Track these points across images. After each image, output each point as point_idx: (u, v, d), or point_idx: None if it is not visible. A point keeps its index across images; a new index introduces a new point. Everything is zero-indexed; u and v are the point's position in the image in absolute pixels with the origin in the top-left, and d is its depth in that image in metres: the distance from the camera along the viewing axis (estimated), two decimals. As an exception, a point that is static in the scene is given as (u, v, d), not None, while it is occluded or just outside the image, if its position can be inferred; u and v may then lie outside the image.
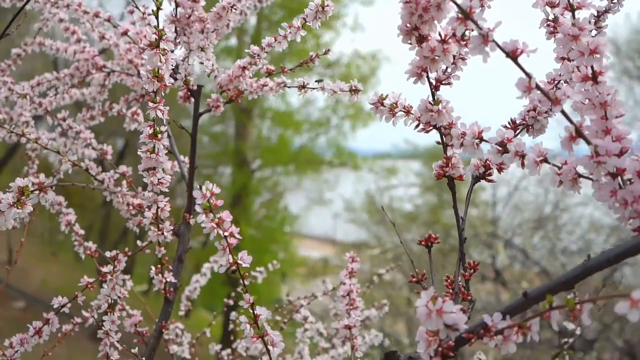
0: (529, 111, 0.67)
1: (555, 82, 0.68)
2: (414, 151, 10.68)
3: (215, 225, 0.61)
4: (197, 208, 0.60)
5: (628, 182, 0.51)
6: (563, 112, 0.50)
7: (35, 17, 1.36)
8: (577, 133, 0.50)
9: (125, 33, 1.04)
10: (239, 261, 0.62)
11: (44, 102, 1.13)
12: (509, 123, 0.68)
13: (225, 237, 0.61)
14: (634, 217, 0.49)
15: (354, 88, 0.82)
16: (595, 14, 0.71)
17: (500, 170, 0.66)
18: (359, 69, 9.80)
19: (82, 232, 1.09)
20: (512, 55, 0.50)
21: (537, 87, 0.50)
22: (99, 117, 1.18)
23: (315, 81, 0.94)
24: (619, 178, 0.50)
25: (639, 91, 8.79)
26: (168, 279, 0.95)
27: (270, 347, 0.63)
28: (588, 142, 0.50)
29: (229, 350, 1.39)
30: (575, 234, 7.10)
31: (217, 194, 0.60)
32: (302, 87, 0.93)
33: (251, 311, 0.63)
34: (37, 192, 0.65)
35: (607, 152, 0.49)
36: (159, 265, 0.94)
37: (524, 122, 0.68)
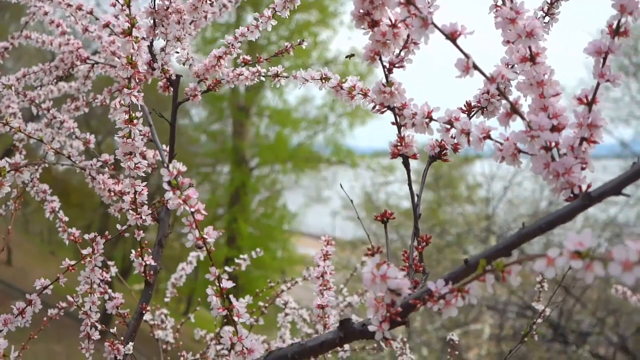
0: (483, 94, 0.71)
1: (510, 66, 0.72)
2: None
3: (182, 202, 0.64)
4: (165, 185, 0.64)
5: (564, 156, 0.55)
6: (498, 89, 0.53)
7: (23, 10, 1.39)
8: (513, 109, 0.54)
9: (106, 25, 1.07)
10: (205, 236, 0.66)
11: (30, 94, 1.16)
12: (464, 105, 0.72)
13: (192, 213, 0.65)
14: (565, 187, 0.53)
15: (324, 76, 0.85)
16: (549, 1, 0.74)
17: (455, 150, 0.69)
18: (356, 66, 9.83)
19: (66, 218, 1.12)
20: (452, 37, 0.53)
21: (475, 66, 0.53)
22: (83, 108, 1.21)
23: (321, 79, 0.91)
24: (552, 151, 0.54)
25: (635, 87, 8.80)
26: (148, 262, 0.99)
27: (235, 318, 0.67)
28: (523, 118, 0.53)
29: (212, 335, 1.43)
30: (568, 229, 7.14)
31: (183, 172, 0.64)
32: (276, 75, 0.96)
33: (217, 284, 0.67)
34: (12, 172, 0.69)
35: (540, 127, 0.53)
36: (139, 249, 0.98)
37: (478, 104, 0.71)
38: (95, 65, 1.22)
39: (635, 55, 8.63)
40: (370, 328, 0.57)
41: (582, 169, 0.54)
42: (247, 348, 0.65)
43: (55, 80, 1.20)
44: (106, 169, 1.05)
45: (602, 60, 0.54)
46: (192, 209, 0.64)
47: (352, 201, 0.98)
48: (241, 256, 1.43)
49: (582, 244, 0.40)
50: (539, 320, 1.10)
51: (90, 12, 1.12)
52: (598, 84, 0.54)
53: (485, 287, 0.50)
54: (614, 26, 0.54)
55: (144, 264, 0.98)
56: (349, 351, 1.16)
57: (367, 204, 10.06)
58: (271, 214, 11.62)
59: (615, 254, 0.37)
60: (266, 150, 11.52)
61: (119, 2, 1.00)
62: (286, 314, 1.31)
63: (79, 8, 1.12)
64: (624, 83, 8.83)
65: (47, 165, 0.92)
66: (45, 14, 1.22)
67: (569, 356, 5.58)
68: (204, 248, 0.66)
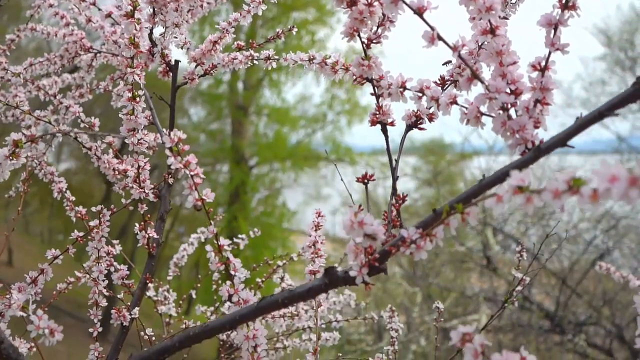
0: (455, 68, 0.77)
1: (479, 43, 0.79)
2: (410, 146, 10.78)
3: (182, 166, 0.71)
4: (167, 152, 0.71)
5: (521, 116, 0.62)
6: (460, 57, 0.60)
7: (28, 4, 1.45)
8: (473, 75, 0.61)
9: (109, 15, 1.14)
10: (204, 197, 0.73)
11: (37, 82, 1.23)
12: (438, 79, 0.79)
13: (192, 176, 0.72)
14: (520, 143, 0.60)
15: (311, 57, 0.92)
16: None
17: (430, 119, 0.76)
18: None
19: (73, 198, 1.19)
20: (419, 11, 0.60)
21: (439, 37, 0.60)
22: (87, 95, 1.28)
23: (308, 60, 0.98)
24: (510, 112, 0.61)
25: (632, 81, 8.84)
26: (151, 235, 1.06)
27: (232, 273, 0.74)
28: (482, 82, 0.60)
29: (212, 308, 1.50)
30: (564, 221, 7.23)
31: (183, 139, 0.71)
32: (268, 58, 1.03)
33: (215, 242, 0.74)
34: (29, 143, 0.75)
35: (497, 90, 0.60)
36: (142, 223, 1.05)
37: (451, 77, 0.78)
38: (98, 54, 1.29)
39: (631, 50, 8.70)
40: (352, 273, 0.64)
41: (536, 127, 0.61)
42: (242, 299, 0.73)
43: (60, 70, 1.27)
44: (110, 150, 1.12)
45: (552, 31, 0.61)
46: (192, 173, 0.71)
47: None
48: (239, 236, 1.50)
49: (523, 180, 0.47)
50: (519, 288, 1.17)
51: (93, 4, 1.19)
52: (550, 52, 0.61)
53: (449, 230, 0.57)
54: (564, 1, 0.61)
55: (147, 236, 1.05)
56: (342, 321, 1.23)
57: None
58: (271, 212, 11.68)
59: (547, 185, 0.44)
60: (265, 148, 11.59)
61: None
62: (282, 289, 1.38)
63: (83, 0, 1.19)
64: (620, 77, 8.89)
65: (60, 138, 0.98)
66: (50, 6, 1.28)
67: (565, 346, 5.65)
68: (203, 208, 0.73)
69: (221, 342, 1.51)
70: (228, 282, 0.74)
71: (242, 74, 10.92)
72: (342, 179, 1.09)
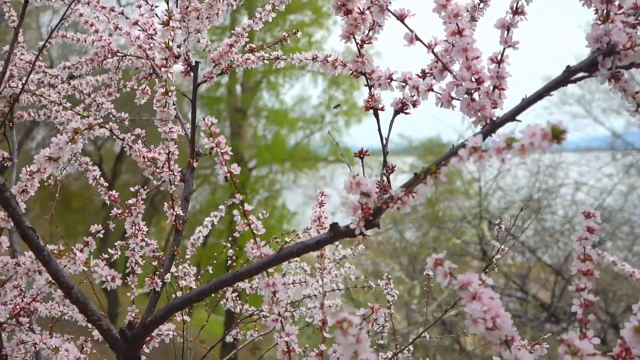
0: (432, 62, 0.94)
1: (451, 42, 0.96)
2: (409, 146, 10.95)
3: (214, 145, 0.88)
4: (202, 133, 0.87)
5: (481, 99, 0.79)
6: (434, 53, 0.77)
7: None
8: (444, 67, 0.78)
9: (135, 23, 1.31)
10: (232, 170, 0.89)
11: (72, 82, 1.40)
12: (420, 72, 0.96)
13: (222, 153, 0.88)
14: (481, 120, 0.77)
15: (314, 56, 1.09)
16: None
17: (414, 105, 0.93)
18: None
19: (106, 184, 1.36)
20: (401, 18, 0.77)
21: (417, 38, 0.77)
22: (115, 94, 1.45)
23: (312, 59, 1.19)
24: (474, 96, 0.78)
25: (626, 77, 8.99)
26: (178, 213, 1.23)
27: (255, 232, 0.90)
28: (451, 72, 0.77)
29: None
30: (560, 215, 7.41)
31: (215, 124, 0.88)
32: (277, 58, 1.20)
33: (241, 207, 0.91)
34: (87, 130, 0.92)
35: (463, 79, 0.77)
36: (170, 202, 1.21)
37: (431, 71, 0.95)
38: (124, 57, 1.45)
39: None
40: (351, 226, 0.80)
41: (494, 107, 0.78)
42: (263, 253, 0.89)
43: (91, 72, 1.44)
44: (139, 140, 1.29)
45: (506, 31, 0.78)
46: (222, 150, 0.88)
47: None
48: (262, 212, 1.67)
49: (477, 142, 0.64)
50: (498, 256, 1.34)
51: (121, 13, 1.36)
52: (504, 49, 0.78)
53: (427, 189, 0.74)
54: (514, 7, 0.78)
55: (174, 214, 1.22)
56: (343, 289, 1.39)
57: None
58: (271, 213, 11.83)
59: (491, 144, 0.61)
60: (264, 150, 11.75)
61: (147, 2, 1.24)
62: (289, 261, 1.55)
63: (112, 10, 1.35)
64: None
65: (109, 130, 1.14)
66: (81, 15, 1.45)
67: (559, 334, 5.82)
68: (230, 179, 0.90)
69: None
70: (251, 240, 0.91)
71: (240, 76, 11.11)
72: (352, 169, 1.26)
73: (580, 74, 0.71)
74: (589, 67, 0.70)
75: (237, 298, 1.73)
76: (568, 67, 0.72)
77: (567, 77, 0.71)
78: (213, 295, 1.88)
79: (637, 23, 0.72)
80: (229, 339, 1.66)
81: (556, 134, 0.55)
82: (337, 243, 1.83)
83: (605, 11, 0.70)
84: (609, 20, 0.70)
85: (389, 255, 7.23)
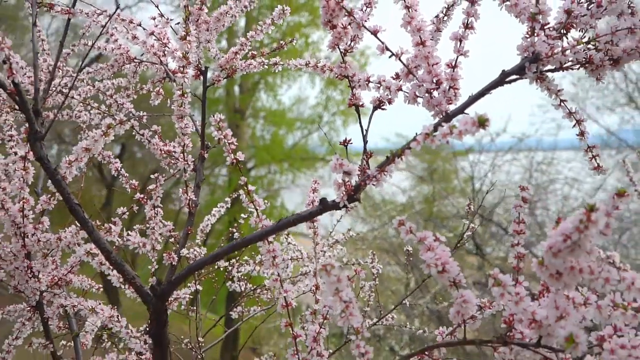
0: (402, 68, 1.14)
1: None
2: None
3: (222, 137, 1.07)
4: (212, 127, 1.07)
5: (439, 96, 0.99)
6: (400, 60, 0.97)
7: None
8: (409, 72, 0.98)
9: (152, 33, 1.51)
10: (237, 157, 1.09)
11: (99, 85, 1.60)
12: (394, 74, 1.15)
13: (229, 143, 1.08)
14: (439, 113, 0.97)
15: (307, 62, 1.28)
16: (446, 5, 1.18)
17: (389, 102, 1.13)
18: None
19: (127, 174, 1.55)
20: (374, 32, 0.97)
21: (387, 48, 0.97)
22: (132, 95, 1.65)
23: (306, 64, 1.40)
24: (432, 94, 0.97)
25: (619, 75, 9.20)
26: (191, 197, 1.42)
27: (257, 208, 1.10)
28: (414, 76, 0.97)
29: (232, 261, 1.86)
30: (553, 210, 7.62)
31: (222, 119, 1.07)
32: (276, 64, 1.40)
33: (245, 187, 1.10)
34: (118, 125, 1.11)
35: (423, 80, 0.97)
36: (184, 187, 1.41)
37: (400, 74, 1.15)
38: (141, 63, 1.65)
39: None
40: (337, 199, 1.00)
41: (449, 103, 0.97)
42: (264, 225, 1.09)
43: (112, 75, 1.63)
44: (156, 135, 1.48)
45: (459, 42, 0.97)
46: (229, 141, 1.08)
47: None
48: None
49: (429, 129, 0.83)
50: (469, 233, 1.53)
51: (139, 24, 1.55)
52: (457, 57, 0.98)
53: (396, 168, 0.94)
54: (465, 23, 0.97)
55: (188, 198, 1.42)
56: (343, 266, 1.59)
57: (364, 202, 10.44)
58: (270, 213, 11.97)
59: (439, 130, 0.81)
60: (262, 151, 11.93)
61: (162, 16, 1.44)
62: (289, 243, 1.74)
63: (131, 22, 1.55)
64: (608, 71, 9.26)
65: (131, 126, 1.34)
66: (103, 26, 1.65)
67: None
68: (237, 165, 1.09)
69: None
70: (255, 214, 1.11)
71: (238, 78, 11.31)
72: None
73: (513, 77, 0.91)
74: (519, 71, 0.90)
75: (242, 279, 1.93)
76: (503, 70, 0.91)
77: (503, 78, 0.91)
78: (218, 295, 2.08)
79: (559, 36, 0.92)
80: (234, 314, 1.86)
81: (481, 122, 0.74)
82: (331, 231, 2.03)
83: (531, 27, 0.90)
84: (535, 34, 0.90)
85: (385, 250, 7.43)
